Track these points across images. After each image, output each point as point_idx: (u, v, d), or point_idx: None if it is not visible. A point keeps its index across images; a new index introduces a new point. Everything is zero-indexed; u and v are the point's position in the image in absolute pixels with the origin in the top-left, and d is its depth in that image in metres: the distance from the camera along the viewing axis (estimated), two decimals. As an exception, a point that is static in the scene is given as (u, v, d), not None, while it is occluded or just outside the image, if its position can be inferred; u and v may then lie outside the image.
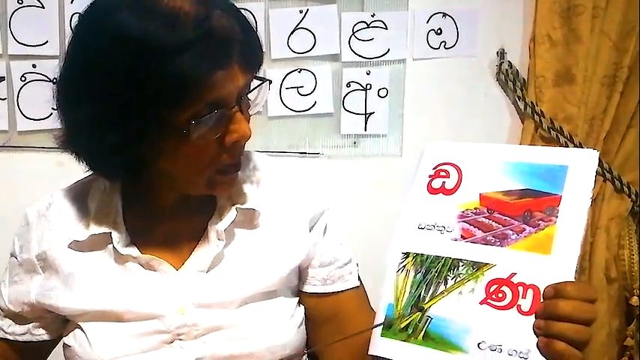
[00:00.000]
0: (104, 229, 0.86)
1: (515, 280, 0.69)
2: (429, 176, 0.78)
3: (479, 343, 0.68)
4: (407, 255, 0.76)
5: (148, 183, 0.87)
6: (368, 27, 1.71)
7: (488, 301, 0.69)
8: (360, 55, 1.72)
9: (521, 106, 1.74)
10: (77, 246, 0.88)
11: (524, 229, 0.71)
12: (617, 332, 1.79)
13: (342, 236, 0.96)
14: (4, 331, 0.94)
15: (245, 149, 0.85)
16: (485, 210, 0.74)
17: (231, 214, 0.87)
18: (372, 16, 1.71)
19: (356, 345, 0.79)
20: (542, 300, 0.67)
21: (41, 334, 0.94)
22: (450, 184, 0.77)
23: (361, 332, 0.77)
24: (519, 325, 0.67)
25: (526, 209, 0.72)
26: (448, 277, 0.72)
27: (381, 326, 0.75)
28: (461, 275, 0.72)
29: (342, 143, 1.76)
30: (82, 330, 0.87)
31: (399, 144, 1.77)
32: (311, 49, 1.70)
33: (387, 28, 1.71)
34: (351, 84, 1.73)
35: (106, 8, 0.77)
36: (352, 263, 0.96)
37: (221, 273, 0.87)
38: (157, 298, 0.85)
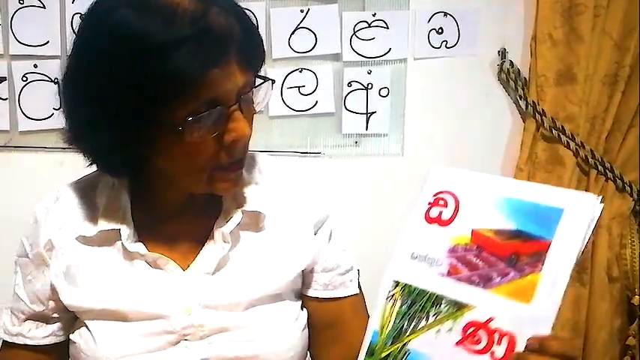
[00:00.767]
0: (113, 225, 0.86)
1: (492, 325, 0.69)
2: (429, 203, 0.78)
3: None
4: (397, 284, 0.77)
5: (150, 181, 0.87)
6: (369, 26, 1.71)
7: (465, 342, 0.70)
8: (361, 55, 1.71)
9: (523, 106, 1.74)
10: (85, 241, 0.87)
11: (509, 273, 0.70)
12: (619, 332, 1.79)
13: (345, 242, 0.96)
14: (23, 336, 0.91)
15: (249, 151, 0.85)
16: (474, 247, 0.73)
17: (236, 217, 0.87)
18: (373, 15, 1.70)
19: (353, 352, 0.79)
20: (516, 349, 0.66)
21: (65, 336, 0.92)
22: (446, 214, 0.76)
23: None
24: None
25: (514, 251, 0.70)
26: (430, 313, 0.73)
27: (365, 352, 0.76)
28: (442, 313, 0.72)
29: (343, 143, 1.76)
30: (87, 328, 0.86)
31: (401, 143, 1.77)
32: (312, 49, 1.70)
33: (388, 28, 1.71)
34: (352, 83, 1.73)
35: (106, 6, 0.77)
36: (354, 270, 0.96)
37: (227, 275, 0.87)
38: (164, 298, 0.85)
